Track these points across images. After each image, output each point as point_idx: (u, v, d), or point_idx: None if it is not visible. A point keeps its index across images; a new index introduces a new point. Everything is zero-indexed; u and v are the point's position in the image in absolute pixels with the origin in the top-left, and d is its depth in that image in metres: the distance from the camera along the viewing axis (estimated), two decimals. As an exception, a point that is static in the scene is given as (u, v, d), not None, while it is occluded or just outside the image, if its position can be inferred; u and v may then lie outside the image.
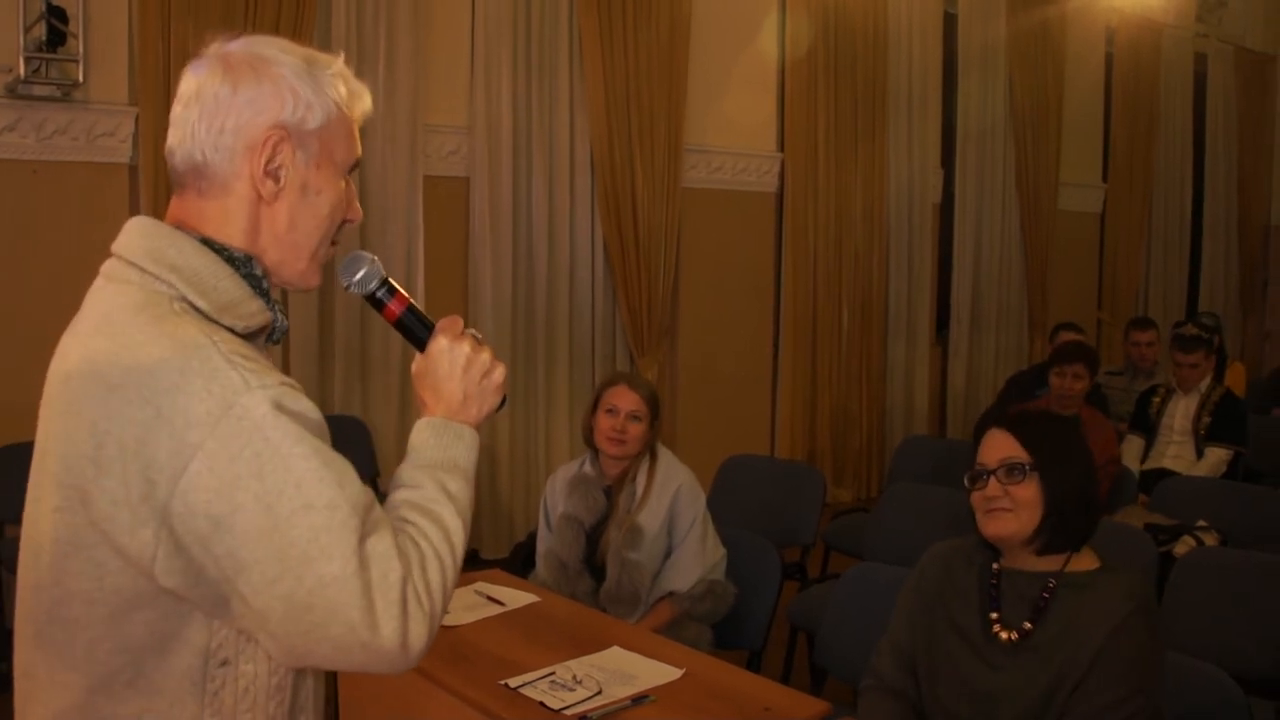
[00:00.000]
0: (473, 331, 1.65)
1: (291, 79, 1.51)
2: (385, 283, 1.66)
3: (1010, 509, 2.50)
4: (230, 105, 1.49)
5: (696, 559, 3.76)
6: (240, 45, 1.54)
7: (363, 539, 1.36)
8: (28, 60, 5.02)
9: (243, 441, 1.32)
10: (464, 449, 1.58)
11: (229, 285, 1.47)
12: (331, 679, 3.29)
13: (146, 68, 5.32)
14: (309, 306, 5.87)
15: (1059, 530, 2.50)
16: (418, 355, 1.66)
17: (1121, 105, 10.71)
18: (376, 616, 1.35)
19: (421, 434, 1.58)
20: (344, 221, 1.61)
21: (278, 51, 1.53)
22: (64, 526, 1.39)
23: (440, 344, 1.62)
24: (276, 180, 1.51)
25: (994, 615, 2.54)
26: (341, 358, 6.10)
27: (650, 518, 3.76)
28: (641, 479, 3.83)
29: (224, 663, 1.42)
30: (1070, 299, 10.08)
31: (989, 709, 2.48)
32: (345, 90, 1.57)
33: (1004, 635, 2.50)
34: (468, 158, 6.54)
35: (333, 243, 1.62)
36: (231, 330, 1.44)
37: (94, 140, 5.31)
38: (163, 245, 1.48)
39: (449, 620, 3.18)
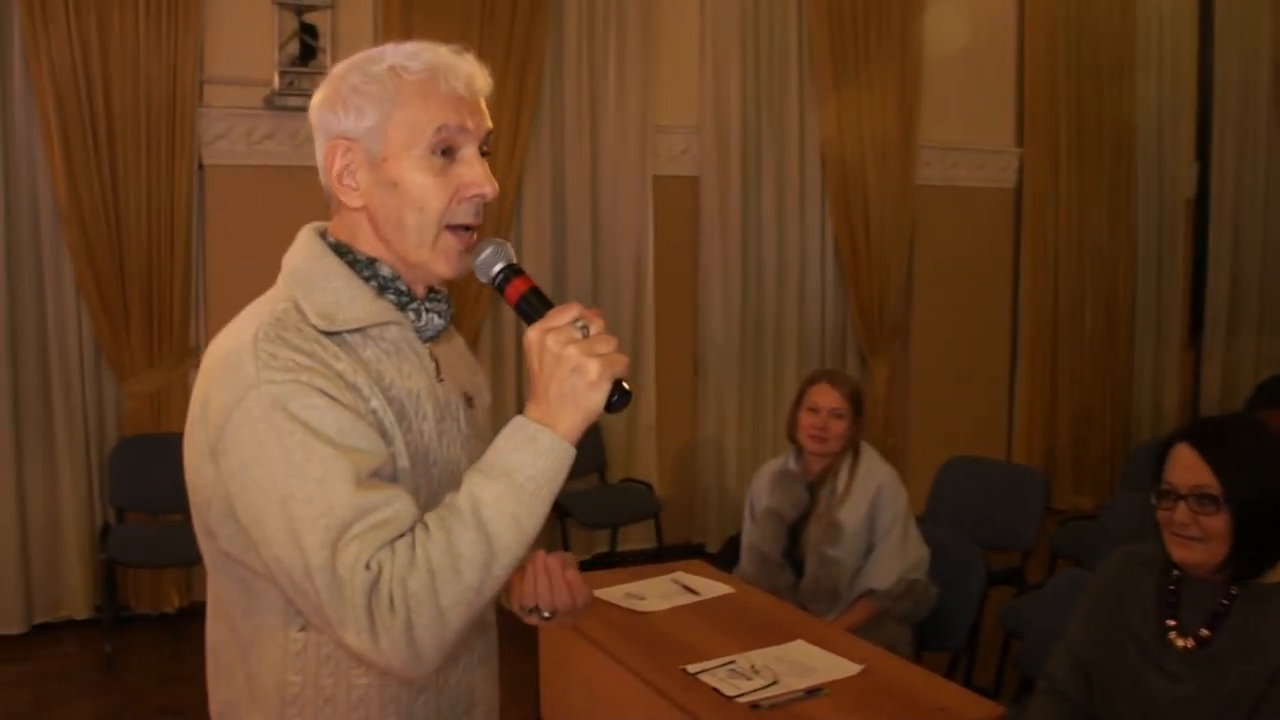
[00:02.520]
0: (581, 322, 1.48)
1: (346, 90, 1.57)
2: (509, 267, 1.58)
3: (1199, 539, 2.38)
4: (315, 127, 1.62)
5: (897, 557, 3.76)
6: (337, 65, 1.66)
7: (339, 538, 1.38)
8: (282, 74, 5.44)
9: (248, 430, 1.44)
10: (530, 455, 1.45)
11: (339, 286, 1.57)
12: (533, 657, 3.45)
13: (391, 78, 5.61)
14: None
15: (1250, 559, 2.38)
16: None
17: None
18: (343, 616, 1.38)
19: (500, 433, 1.50)
20: (467, 199, 1.58)
21: (348, 67, 1.60)
22: (189, 490, 1.59)
23: (528, 337, 1.50)
24: (356, 185, 1.58)
25: (1170, 622, 2.45)
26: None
27: (851, 514, 3.78)
28: (843, 476, 3.86)
29: (303, 628, 1.55)
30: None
31: (1161, 718, 2.42)
32: (415, 74, 1.55)
33: (1179, 643, 2.42)
34: (697, 157, 6.67)
35: (467, 228, 1.60)
36: (317, 329, 1.52)
37: (343, 146, 5.66)
38: (295, 251, 1.63)
39: (642, 606, 3.30)
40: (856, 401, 3.91)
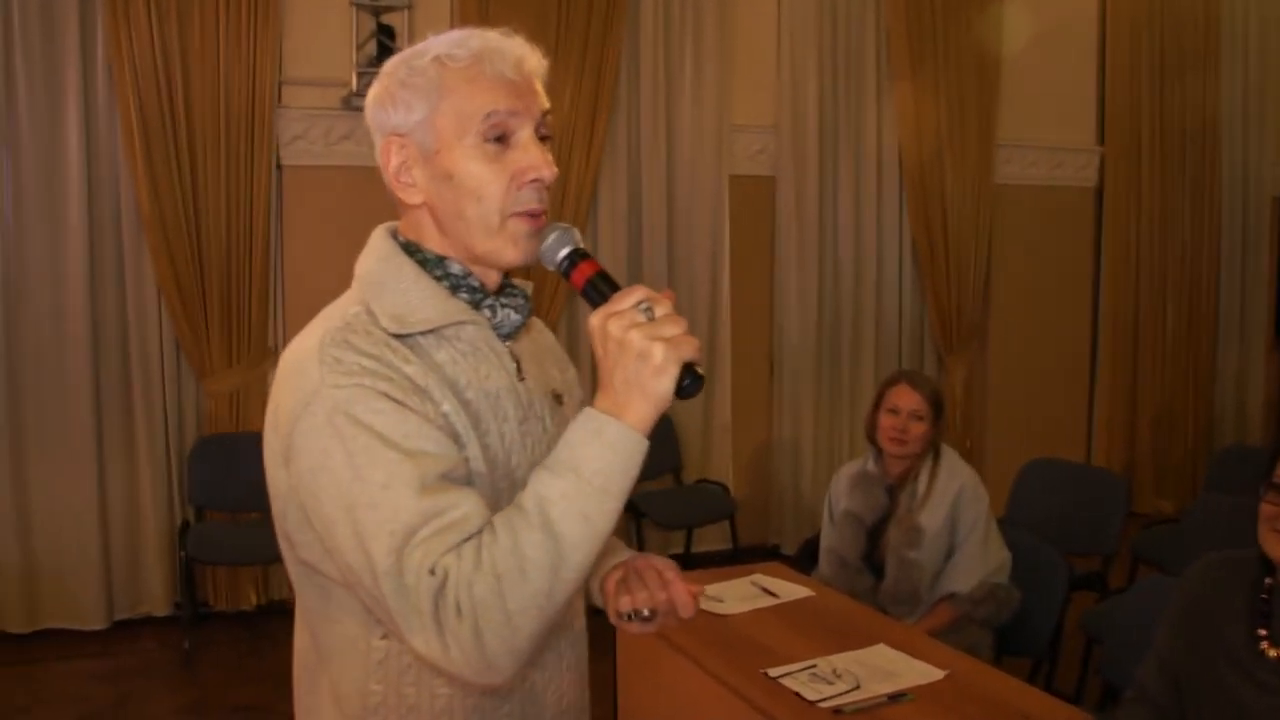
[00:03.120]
0: (645, 304, 1.41)
1: (394, 85, 1.55)
2: (574, 252, 1.53)
3: None
4: (370, 125, 1.60)
5: (978, 560, 3.69)
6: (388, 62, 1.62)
7: (404, 544, 1.35)
8: (360, 75, 5.48)
9: (314, 436, 1.41)
10: (597, 448, 1.38)
11: (409, 288, 1.53)
12: (611, 660, 3.43)
13: (468, 77, 5.64)
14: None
15: None
16: None
17: None
18: (410, 623, 1.34)
19: (569, 427, 1.43)
20: (526, 184, 1.53)
21: (397, 62, 1.59)
22: (270, 497, 1.56)
23: (591, 323, 1.43)
24: (413, 182, 1.55)
25: (1262, 632, 2.39)
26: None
27: (931, 517, 3.72)
28: (924, 478, 3.80)
29: (384, 636, 1.51)
30: None
31: None
32: (461, 61, 1.51)
33: (1272, 653, 2.36)
34: (774, 157, 6.64)
35: (530, 213, 1.54)
36: (387, 332, 1.49)
37: (420, 146, 5.68)
38: (367, 253, 1.60)
39: (721, 609, 3.26)
40: (937, 403, 3.85)
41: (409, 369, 1.47)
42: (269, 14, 5.34)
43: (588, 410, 1.42)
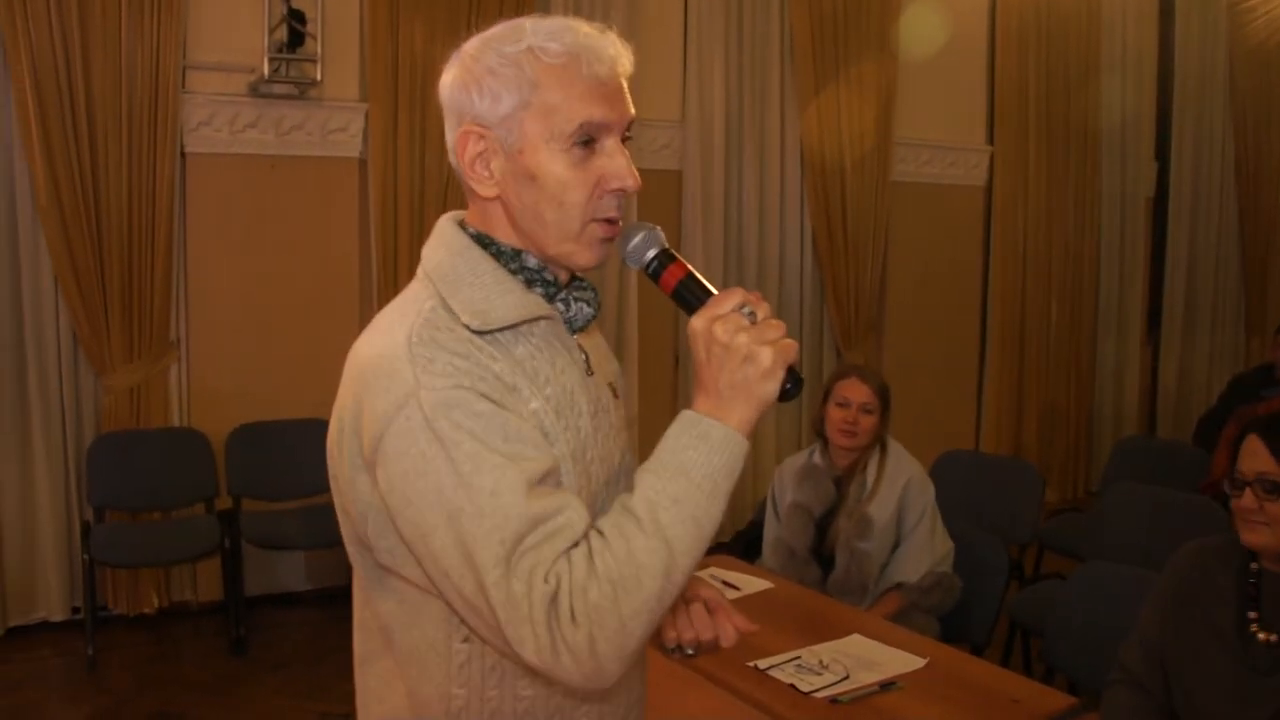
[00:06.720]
0: (748, 308, 1.42)
1: (480, 71, 1.46)
2: (662, 253, 1.53)
3: (1265, 523, 2.42)
4: (447, 107, 1.51)
5: (925, 551, 3.75)
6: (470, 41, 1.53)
7: (514, 551, 1.31)
8: (270, 61, 5.29)
9: (410, 440, 1.34)
10: (703, 452, 1.37)
11: (488, 282, 1.47)
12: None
13: (377, 66, 5.54)
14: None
15: None
16: None
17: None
18: (520, 634, 1.30)
19: (669, 430, 1.41)
20: (609, 192, 1.48)
21: (483, 44, 1.49)
22: (335, 498, 1.51)
23: (693, 326, 1.43)
24: (490, 174, 1.48)
25: (1252, 615, 2.46)
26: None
27: (880, 509, 3.76)
28: (872, 470, 3.84)
29: (466, 639, 1.46)
30: (1291, 299, 9.59)
31: (1246, 711, 2.41)
32: (555, 58, 1.44)
33: (1262, 636, 2.43)
34: (680, 151, 6.64)
35: (610, 220, 1.50)
36: (469, 328, 1.43)
37: (327, 136, 5.55)
38: (435, 246, 1.54)
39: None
40: (885, 396, 3.90)
41: (497, 367, 1.42)
42: (174, -5, 5.12)
43: (689, 414, 1.40)
